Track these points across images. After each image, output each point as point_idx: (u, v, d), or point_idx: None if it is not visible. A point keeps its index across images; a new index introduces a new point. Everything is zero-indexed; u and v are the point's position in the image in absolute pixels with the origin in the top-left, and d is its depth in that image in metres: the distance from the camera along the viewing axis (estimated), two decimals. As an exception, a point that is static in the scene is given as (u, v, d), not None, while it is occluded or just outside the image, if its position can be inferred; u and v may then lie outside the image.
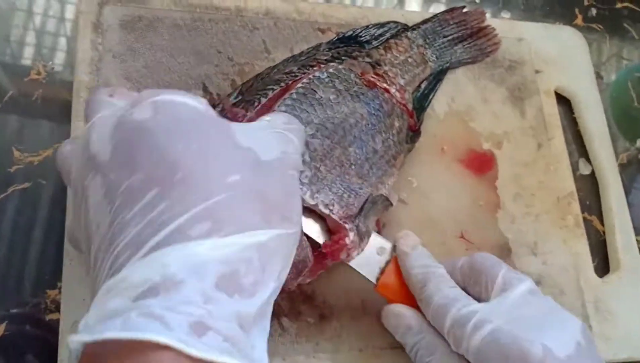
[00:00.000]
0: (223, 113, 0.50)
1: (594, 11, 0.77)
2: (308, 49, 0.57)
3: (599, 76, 0.73)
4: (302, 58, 0.56)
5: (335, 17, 0.62)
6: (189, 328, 0.28)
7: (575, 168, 0.66)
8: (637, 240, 0.65)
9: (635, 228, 0.65)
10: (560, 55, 0.69)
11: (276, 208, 0.34)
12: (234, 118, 0.50)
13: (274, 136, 0.38)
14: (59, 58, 0.57)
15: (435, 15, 0.64)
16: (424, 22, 0.63)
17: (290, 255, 0.35)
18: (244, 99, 0.51)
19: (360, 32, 0.59)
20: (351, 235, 0.48)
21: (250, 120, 0.50)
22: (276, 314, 0.51)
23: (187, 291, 0.29)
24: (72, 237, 0.38)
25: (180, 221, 0.30)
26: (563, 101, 0.69)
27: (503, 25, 0.68)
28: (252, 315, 0.31)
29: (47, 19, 0.58)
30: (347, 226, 0.48)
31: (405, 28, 0.62)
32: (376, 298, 0.53)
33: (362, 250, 0.49)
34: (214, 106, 0.51)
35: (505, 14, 0.73)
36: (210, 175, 0.32)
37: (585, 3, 0.77)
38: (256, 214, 0.33)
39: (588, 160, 0.67)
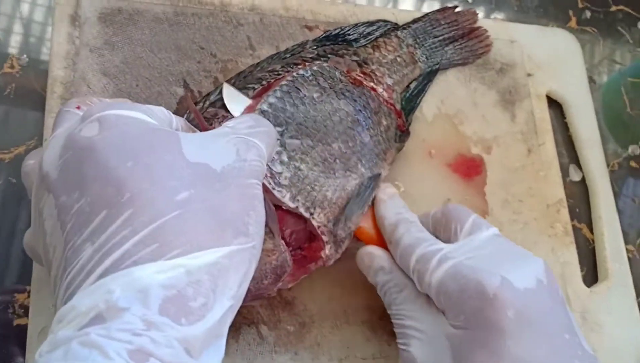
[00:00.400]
0: (202, 113, 0.48)
1: (588, 14, 0.76)
2: (293, 46, 0.56)
3: (591, 80, 0.71)
4: (287, 56, 0.54)
5: (323, 15, 0.60)
6: (128, 356, 0.27)
7: (565, 174, 0.65)
8: (626, 249, 0.64)
9: (625, 237, 0.64)
10: (553, 58, 0.68)
11: (230, 223, 0.33)
12: (213, 118, 0.48)
13: (234, 143, 0.36)
14: (35, 50, 0.55)
15: (426, 15, 0.62)
16: (415, 21, 0.62)
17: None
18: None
19: (348, 30, 0.57)
20: (327, 248, 0.47)
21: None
22: (255, 322, 0.49)
23: (129, 317, 0.28)
24: (34, 252, 0.37)
25: (127, 245, 0.30)
26: (554, 104, 0.67)
27: (495, 27, 0.66)
28: (201, 338, 0.30)
29: (22, 4, 0.56)
30: (324, 237, 0.46)
31: (395, 27, 0.60)
32: (359, 307, 0.52)
33: (340, 255, 0.48)
34: (195, 103, 0.49)
35: (498, 15, 0.72)
36: (158, 194, 0.31)
37: (580, 5, 0.76)
38: (206, 232, 0.31)
39: (579, 166, 0.66)
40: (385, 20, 0.60)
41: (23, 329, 0.45)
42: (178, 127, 0.40)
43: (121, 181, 0.31)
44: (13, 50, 0.54)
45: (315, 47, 0.55)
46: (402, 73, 0.58)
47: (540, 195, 0.61)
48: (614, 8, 0.77)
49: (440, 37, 0.62)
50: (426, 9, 0.68)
